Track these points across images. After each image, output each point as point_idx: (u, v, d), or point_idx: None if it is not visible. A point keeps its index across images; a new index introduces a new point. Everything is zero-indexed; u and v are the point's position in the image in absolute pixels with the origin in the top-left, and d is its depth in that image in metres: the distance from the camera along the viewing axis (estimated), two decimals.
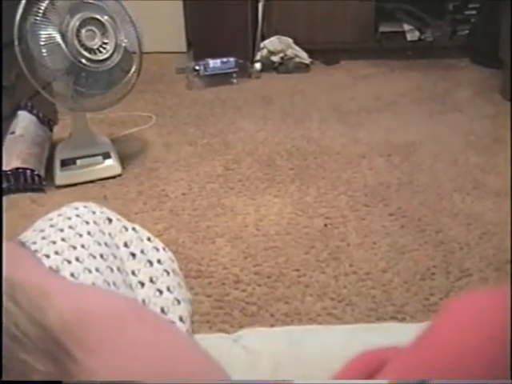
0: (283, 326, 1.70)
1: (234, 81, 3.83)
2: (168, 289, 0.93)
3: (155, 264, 0.96)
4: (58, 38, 2.30)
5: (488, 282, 1.87)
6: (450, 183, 2.47)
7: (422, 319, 1.70)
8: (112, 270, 0.86)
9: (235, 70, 3.84)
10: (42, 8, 2.27)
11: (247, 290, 1.88)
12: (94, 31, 2.36)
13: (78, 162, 2.61)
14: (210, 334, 1.61)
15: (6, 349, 0.36)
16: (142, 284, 0.92)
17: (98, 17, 2.37)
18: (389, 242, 2.09)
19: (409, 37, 4.16)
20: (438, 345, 0.50)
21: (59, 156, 2.64)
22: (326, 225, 2.21)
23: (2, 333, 0.37)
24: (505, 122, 2.98)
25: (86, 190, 2.52)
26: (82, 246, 0.87)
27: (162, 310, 0.89)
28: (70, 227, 0.90)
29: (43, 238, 0.88)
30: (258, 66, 3.99)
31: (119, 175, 2.64)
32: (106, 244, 0.91)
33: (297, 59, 4.02)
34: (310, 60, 4.05)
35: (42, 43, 2.28)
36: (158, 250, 0.99)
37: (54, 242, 0.86)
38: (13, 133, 2.66)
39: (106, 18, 2.39)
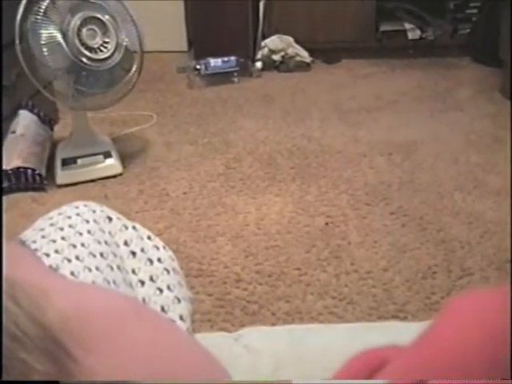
0: (284, 324, 1.70)
1: (235, 80, 3.83)
2: (168, 287, 0.93)
3: (155, 262, 0.96)
4: (59, 37, 2.30)
5: (489, 281, 1.87)
6: (451, 182, 2.47)
7: (423, 318, 1.70)
8: (112, 268, 0.86)
9: (236, 68, 3.83)
10: (43, 7, 2.26)
11: (248, 289, 1.88)
12: (94, 30, 2.36)
13: (79, 161, 2.61)
14: (211, 332, 1.61)
15: (5, 348, 0.36)
16: (143, 282, 0.92)
17: (99, 16, 2.37)
18: (390, 241, 2.09)
19: (410, 36, 4.15)
20: (438, 344, 0.50)
21: (60, 155, 2.64)
22: (327, 223, 2.21)
23: (1, 332, 0.37)
24: (505, 121, 2.98)
25: (86, 190, 2.52)
26: (82, 245, 0.87)
27: (162, 309, 0.89)
28: (70, 226, 0.90)
29: (43, 236, 0.87)
30: (258, 64, 3.98)
31: (120, 174, 2.64)
32: (106, 242, 0.91)
33: (298, 58, 4.02)
34: (310, 59, 4.04)
35: (43, 42, 2.28)
36: (158, 248, 0.99)
37: (54, 241, 0.86)
38: (14, 132, 2.66)
39: (106, 17, 2.39)
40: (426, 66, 4.00)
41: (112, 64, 2.42)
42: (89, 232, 0.90)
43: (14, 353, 0.37)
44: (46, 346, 0.39)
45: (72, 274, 0.81)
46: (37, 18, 2.27)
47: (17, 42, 2.27)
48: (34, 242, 0.86)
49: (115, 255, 0.91)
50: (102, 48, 2.39)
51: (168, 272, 0.95)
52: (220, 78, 3.79)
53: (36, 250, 0.83)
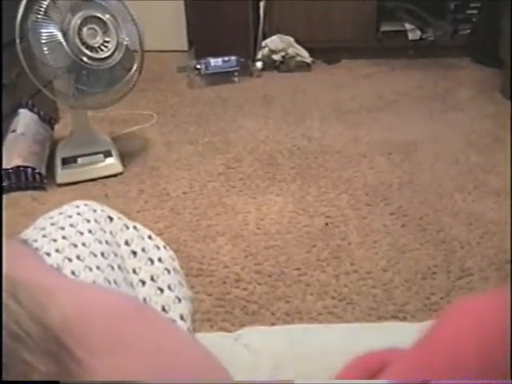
0: (284, 324, 1.70)
1: (236, 79, 3.83)
2: (169, 287, 0.93)
3: (156, 262, 0.96)
4: (60, 37, 2.30)
5: (489, 282, 1.87)
6: (451, 182, 2.47)
7: (422, 318, 1.70)
8: (113, 268, 0.86)
9: (236, 68, 3.84)
10: (44, 6, 2.27)
11: (248, 289, 1.88)
12: (95, 29, 2.36)
13: (79, 160, 2.61)
14: (211, 332, 1.61)
15: (6, 347, 0.36)
16: (143, 282, 0.92)
17: (99, 15, 2.37)
18: (390, 241, 2.09)
19: (410, 36, 4.15)
20: (439, 346, 0.50)
21: (60, 154, 2.64)
22: (326, 224, 2.21)
23: (1, 331, 0.37)
24: (505, 122, 2.98)
25: (87, 189, 2.53)
26: (83, 244, 0.87)
27: (163, 309, 0.89)
28: (71, 225, 0.90)
29: (44, 236, 0.88)
30: (259, 64, 3.98)
31: (120, 174, 2.64)
32: (106, 242, 0.91)
33: (298, 58, 4.02)
34: (311, 59, 4.05)
35: (44, 41, 2.28)
36: (158, 248, 0.99)
37: (55, 240, 0.86)
38: (14, 131, 2.66)
39: (107, 16, 2.39)
40: (426, 66, 4.01)
41: (112, 63, 2.42)
42: (90, 231, 0.90)
43: (15, 352, 0.37)
44: (47, 345, 0.39)
45: (73, 273, 0.81)
46: (37, 17, 2.27)
47: (17, 41, 2.27)
48: (35, 241, 0.86)
49: (116, 255, 0.91)
50: (102, 47, 2.39)
51: (169, 272, 0.96)
52: (220, 77, 3.79)
53: (37, 249, 0.83)
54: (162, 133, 3.08)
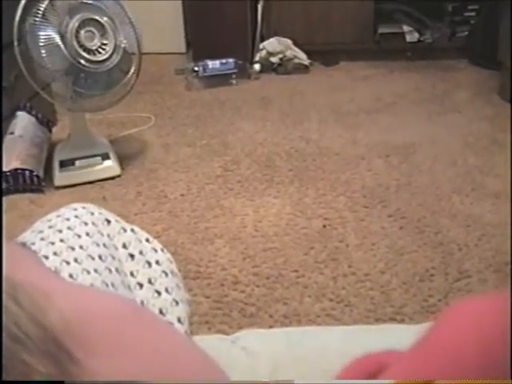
0: (282, 327, 1.70)
1: (233, 82, 3.83)
2: (166, 290, 0.93)
3: (154, 265, 0.96)
4: (57, 39, 2.30)
5: (487, 284, 1.87)
6: (449, 184, 2.47)
7: (420, 320, 1.70)
8: (110, 271, 0.86)
9: (234, 71, 3.84)
10: (42, 9, 2.27)
11: (246, 291, 1.88)
12: (93, 32, 2.36)
13: (77, 162, 2.61)
14: (208, 335, 1.61)
15: (7, 349, 0.36)
16: (141, 285, 0.92)
17: (97, 18, 2.37)
18: (388, 243, 2.09)
19: (408, 38, 4.16)
20: (438, 348, 0.50)
21: (58, 157, 2.64)
22: (324, 226, 2.21)
23: (1, 333, 0.37)
24: (503, 124, 2.98)
25: (85, 191, 2.52)
26: (81, 247, 0.87)
27: (161, 311, 0.89)
28: (69, 228, 0.90)
29: (42, 239, 0.88)
30: (257, 67, 3.99)
31: (118, 176, 2.64)
32: (104, 245, 0.91)
33: (296, 60, 4.02)
34: (309, 61, 4.05)
35: (42, 44, 2.28)
36: (156, 251, 0.99)
37: (53, 243, 0.86)
38: (12, 133, 2.66)
39: (105, 18, 2.39)
40: (424, 68, 4.01)
41: (110, 66, 2.42)
42: (87, 234, 0.90)
43: (15, 353, 0.37)
44: (46, 346, 0.39)
45: (71, 276, 0.81)
46: (35, 20, 2.27)
47: (15, 43, 2.27)
48: (33, 244, 0.86)
49: (114, 258, 0.91)
50: (100, 50, 2.39)
51: (166, 274, 0.96)
52: (218, 80, 3.80)
53: (35, 252, 0.83)
54: (159, 135, 3.08)
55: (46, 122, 2.92)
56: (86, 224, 0.93)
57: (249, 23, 4.03)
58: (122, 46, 2.45)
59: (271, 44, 4.03)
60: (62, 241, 0.87)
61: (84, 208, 0.97)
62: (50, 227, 0.91)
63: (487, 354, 0.47)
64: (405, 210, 2.30)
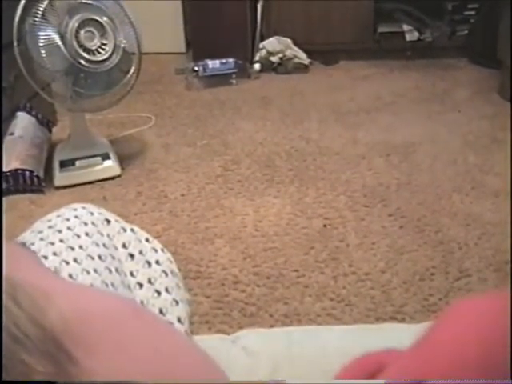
0: (282, 326, 1.70)
1: (233, 81, 3.83)
2: (166, 290, 0.93)
3: (153, 265, 0.96)
4: (57, 39, 2.30)
5: (487, 283, 1.87)
6: (449, 183, 2.47)
7: (421, 319, 1.70)
8: (110, 271, 0.86)
9: (234, 70, 3.84)
10: (41, 9, 2.27)
11: (246, 291, 1.88)
12: (92, 32, 2.36)
13: (77, 163, 2.61)
14: (208, 334, 1.61)
15: (6, 349, 0.36)
16: (141, 285, 0.92)
17: (96, 18, 2.37)
18: (388, 243, 2.09)
19: (408, 37, 4.16)
20: (439, 347, 0.50)
21: (58, 157, 2.64)
22: (325, 225, 2.21)
23: (1, 333, 0.37)
24: (503, 122, 2.98)
25: (85, 191, 2.52)
26: (80, 247, 0.87)
27: (161, 311, 0.89)
28: (69, 228, 0.90)
29: (41, 239, 0.87)
30: (257, 66, 3.99)
31: (118, 176, 2.64)
32: (104, 245, 0.91)
33: (296, 60, 4.02)
34: (308, 60, 4.05)
35: (41, 44, 2.28)
36: (156, 250, 0.99)
37: (53, 243, 0.86)
38: (12, 134, 2.66)
39: (105, 19, 2.39)
40: (423, 67, 4.01)
41: (110, 66, 2.42)
42: (87, 234, 0.90)
43: (14, 353, 0.37)
44: (46, 346, 0.39)
45: (70, 276, 0.81)
46: (35, 20, 2.27)
47: (15, 43, 2.27)
48: (33, 244, 0.86)
49: (113, 257, 0.91)
50: (100, 50, 2.39)
51: (166, 274, 0.95)
52: (218, 79, 3.80)
53: (34, 252, 0.83)
54: (159, 135, 3.08)
55: (46, 122, 2.92)
56: (85, 224, 0.93)
57: (249, 23, 4.03)
58: (122, 46, 2.45)
59: (271, 43, 4.03)
60: (61, 241, 0.87)
61: (84, 208, 0.97)
62: (50, 227, 0.91)
63: (489, 354, 0.47)
64: (405, 209, 2.30)
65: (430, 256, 2.01)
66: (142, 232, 1.01)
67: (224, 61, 3.83)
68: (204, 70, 3.80)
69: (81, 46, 2.33)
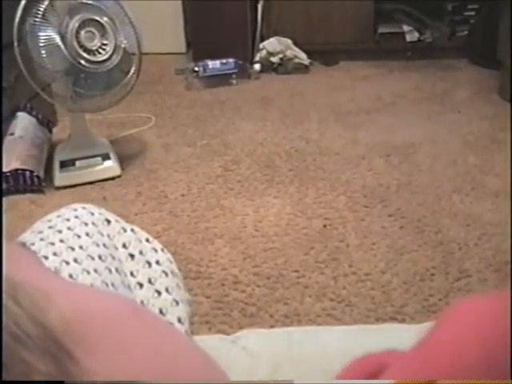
0: (282, 326, 1.70)
1: (234, 82, 3.83)
2: (166, 290, 0.93)
3: (154, 265, 0.96)
4: (58, 40, 2.30)
5: (487, 283, 1.87)
6: (449, 184, 2.47)
7: (421, 320, 1.70)
8: (110, 271, 0.86)
9: (234, 70, 3.84)
10: (42, 9, 2.27)
11: (246, 291, 1.88)
12: (93, 32, 2.36)
13: (77, 163, 2.61)
14: (209, 335, 1.61)
15: (6, 348, 0.36)
16: (141, 285, 0.92)
17: (97, 18, 2.37)
18: (388, 243, 2.09)
19: (408, 38, 4.16)
20: (439, 348, 0.50)
21: (58, 157, 2.64)
22: (325, 226, 2.21)
23: (1, 332, 0.37)
24: (503, 123, 2.98)
25: (85, 192, 2.52)
26: (81, 248, 0.87)
27: (161, 311, 0.89)
28: (69, 228, 0.90)
29: (42, 239, 0.88)
30: (257, 66, 3.99)
31: (118, 176, 2.64)
32: (104, 245, 0.91)
33: (296, 60, 4.02)
34: (309, 61, 4.05)
35: (42, 44, 2.28)
36: (156, 251, 0.99)
37: (53, 244, 0.86)
38: (12, 134, 2.66)
39: (105, 19, 2.39)
40: (423, 67, 4.01)
41: (110, 66, 2.42)
42: (87, 234, 0.90)
43: (14, 352, 0.37)
44: (46, 346, 0.39)
45: (70, 276, 0.81)
46: (35, 20, 2.27)
47: (15, 44, 2.27)
48: (33, 244, 0.86)
49: (113, 258, 0.91)
50: (100, 50, 2.39)
51: (166, 274, 0.95)
52: (218, 80, 3.80)
53: (34, 252, 0.83)
54: (159, 135, 3.08)
55: (46, 122, 2.92)
56: (85, 224, 0.93)
57: (249, 23, 4.03)
58: (122, 46, 2.45)
59: (271, 44, 4.03)
60: (61, 241, 0.87)
61: (84, 208, 0.97)
62: (50, 227, 0.91)
63: (489, 354, 0.47)
64: (405, 209, 2.30)
65: (430, 256, 2.01)
66: (142, 232, 1.02)
67: (224, 61, 3.83)
68: (204, 70, 3.80)
69: (81, 46, 2.33)
